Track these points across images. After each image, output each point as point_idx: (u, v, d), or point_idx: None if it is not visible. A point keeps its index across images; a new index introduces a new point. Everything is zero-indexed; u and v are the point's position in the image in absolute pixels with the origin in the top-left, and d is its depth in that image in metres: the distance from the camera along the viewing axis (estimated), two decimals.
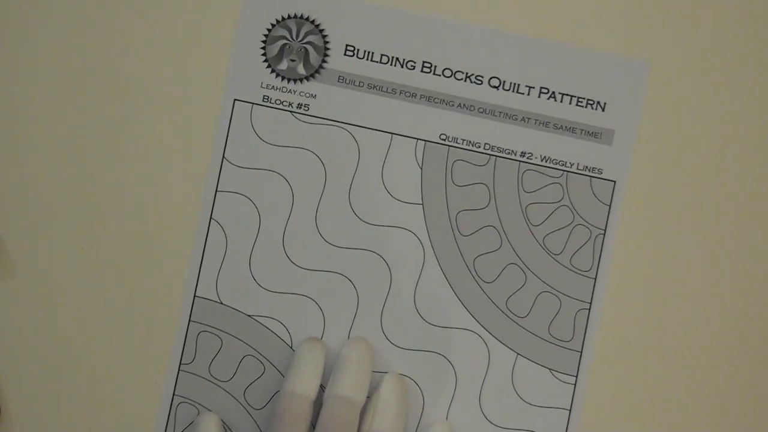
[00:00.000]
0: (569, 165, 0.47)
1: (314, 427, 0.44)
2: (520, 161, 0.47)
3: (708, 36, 0.47)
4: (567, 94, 0.47)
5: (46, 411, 0.47)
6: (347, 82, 0.47)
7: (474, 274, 0.47)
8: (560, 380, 0.47)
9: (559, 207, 0.47)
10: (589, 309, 0.47)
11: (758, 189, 0.47)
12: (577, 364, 0.47)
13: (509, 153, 0.47)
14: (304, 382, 0.43)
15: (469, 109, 0.47)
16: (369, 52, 0.47)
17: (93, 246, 0.47)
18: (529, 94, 0.47)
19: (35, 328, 0.47)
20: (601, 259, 0.47)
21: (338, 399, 0.43)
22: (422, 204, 0.47)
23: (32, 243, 0.47)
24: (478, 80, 0.47)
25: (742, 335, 0.47)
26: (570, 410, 0.47)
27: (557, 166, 0.47)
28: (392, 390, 0.44)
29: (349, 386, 0.43)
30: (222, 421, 0.46)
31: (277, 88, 0.47)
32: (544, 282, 0.47)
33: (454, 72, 0.47)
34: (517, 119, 0.47)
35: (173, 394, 0.46)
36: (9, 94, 0.46)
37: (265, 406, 0.46)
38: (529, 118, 0.47)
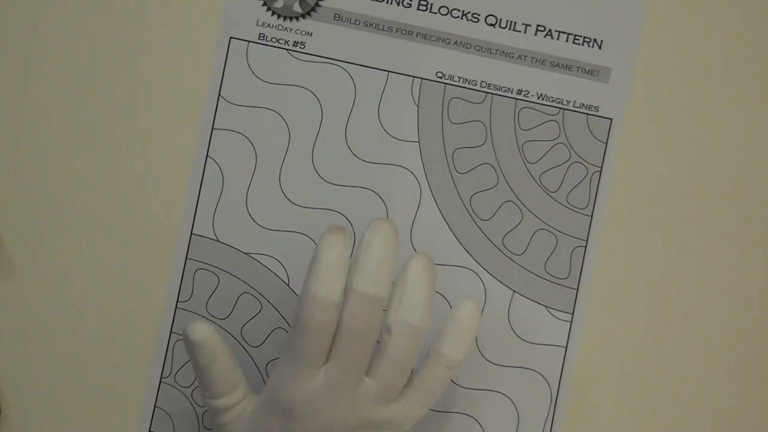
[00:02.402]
0: (566, 103, 0.47)
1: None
2: (516, 99, 0.47)
3: None
4: (563, 32, 0.47)
5: (46, 405, 0.47)
6: (343, 20, 0.47)
7: (470, 211, 0.47)
8: (556, 317, 0.47)
9: (555, 144, 0.47)
10: (586, 246, 0.47)
11: (756, 124, 0.47)
12: (574, 302, 0.47)
13: (505, 91, 0.47)
14: (327, 284, 0.38)
15: (466, 47, 0.47)
16: None
17: (91, 191, 0.47)
18: (525, 32, 0.47)
19: (38, 315, 0.47)
20: (598, 196, 0.47)
21: (360, 296, 0.38)
22: (418, 141, 0.47)
23: (29, 216, 0.47)
24: (475, 18, 0.47)
25: (737, 271, 0.47)
26: (566, 347, 0.47)
27: (553, 104, 0.47)
28: (419, 273, 0.39)
29: (372, 281, 0.38)
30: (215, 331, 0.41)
31: (273, 26, 0.47)
32: (541, 219, 0.47)
33: (450, 10, 0.47)
34: (513, 57, 0.47)
35: (170, 332, 0.47)
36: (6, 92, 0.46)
37: (263, 343, 0.47)
38: (525, 56, 0.47)
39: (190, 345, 0.40)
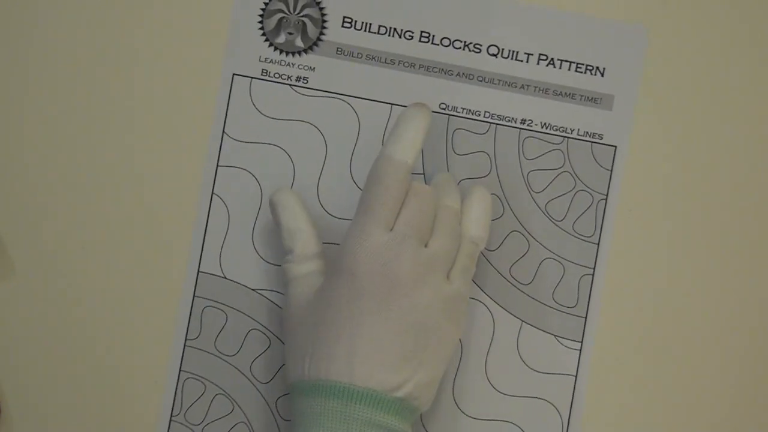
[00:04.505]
0: (569, 131, 0.47)
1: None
2: (520, 128, 0.47)
3: (705, 1, 0.47)
4: (566, 61, 0.47)
5: (46, 405, 0.47)
6: (345, 53, 0.47)
7: None
8: (565, 346, 0.47)
9: (560, 173, 0.47)
10: (593, 274, 0.47)
11: (762, 149, 0.47)
12: (582, 330, 0.47)
13: (509, 120, 0.47)
14: (402, 148, 0.41)
15: (468, 78, 0.47)
16: (367, 24, 0.47)
17: (95, 225, 0.47)
18: (527, 61, 0.47)
19: (38, 316, 0.47)
20: (604, 224, 0.47)
21: (417, 189, 0.42)
22: (423, 174, 0.47)
23: (32, 227, 0.47)
24: (477, 48, 0.47)
25: (745, 299, 0.47)
26: (576, 376, 0.47)
27: (558, 133, 0.47)
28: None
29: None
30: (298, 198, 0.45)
31: (275, 62, 0.47)
32: (548, 248, 0.47)
33: (452, 41, 0.47)
34: (516, 86, 0.47)
35: (180, 370, 0.47)
36: (7, 93, 0.47)
37: (272, 379, 0.47)
38: (528, 85, 0.47)
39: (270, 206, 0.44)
